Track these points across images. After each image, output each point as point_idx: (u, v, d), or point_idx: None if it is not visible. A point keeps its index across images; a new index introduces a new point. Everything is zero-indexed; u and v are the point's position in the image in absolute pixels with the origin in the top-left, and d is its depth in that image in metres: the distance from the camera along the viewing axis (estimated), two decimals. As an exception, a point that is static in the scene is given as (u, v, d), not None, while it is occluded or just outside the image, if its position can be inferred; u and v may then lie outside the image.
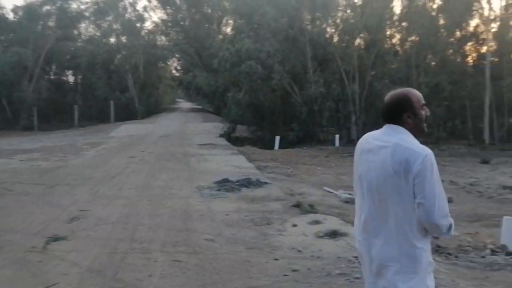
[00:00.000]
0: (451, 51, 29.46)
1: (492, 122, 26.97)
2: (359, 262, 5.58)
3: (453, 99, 28.01)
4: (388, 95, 2.44)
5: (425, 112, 2.41)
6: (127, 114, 36.23)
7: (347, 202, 9.83)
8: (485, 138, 26.11)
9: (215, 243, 6.32)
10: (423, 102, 2.41)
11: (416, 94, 2.42)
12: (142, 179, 11.60)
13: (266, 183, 11.00)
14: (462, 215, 8.90)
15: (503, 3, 28.07)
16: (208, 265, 5.40)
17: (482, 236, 7.27)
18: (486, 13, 27.75)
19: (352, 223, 7.68)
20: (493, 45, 27.88)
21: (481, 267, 5.46)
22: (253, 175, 11.89)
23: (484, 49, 28.34)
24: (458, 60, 29.27)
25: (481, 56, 28.71)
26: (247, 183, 10.71)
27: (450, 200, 10.11)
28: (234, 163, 14.60)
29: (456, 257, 5.84)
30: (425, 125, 2.41)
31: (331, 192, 10.93)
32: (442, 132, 28.40)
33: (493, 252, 6.08)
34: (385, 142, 2.34)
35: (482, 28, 28.48)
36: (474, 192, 11.81)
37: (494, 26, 28.02)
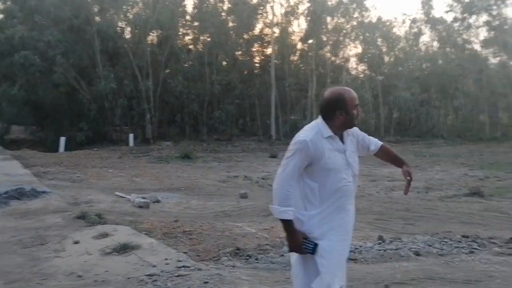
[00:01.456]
0: (240, 52, 30.99)
1: (278, 119, 29.29)
2: (153, 281, 4.80)
3: (243, 98, 29.50)
4: (327, 92, 2.73)
5: (357, 111, 2.68)
6: None
7: (141, 207, 8.90)
8: (272, 134, 28.14)
9: (-44, 284, 4.70)
10: (357, 102, 2.68)
11: (351, 94, 2.69)
12: None
13: (44, 192, 9.31)
14: (257, 210, 8.88)
15: (283, 11, 30.62)
16: None
17: (277, 230, 7.20)
18: (269, 18, 29.97)
19: (146, 230, 6.84)
20: (276, 48, 30.26)
21: (281, 267, 5.19)
22: (28, 184, 9.98)
23: (269, 51, 30.58)
24: (247, 60, 30.94)
25: (267, 58, 30.91)
26: (19, 194, 8.86)
27: (245, 196, 10.14)
28: (5, 170, 12.23)
29: (256, 259, 5.48)
30: (355, 122, 2.72)
31: (124, 197, 9.84)
32: (234, 129, 29.66)
33: (290, 248, 5.94)
34: None
35: (266, 31, 30.68)
36: (267, 186, 12.15)
37: (276, 31, 30.46)
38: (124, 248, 5.60)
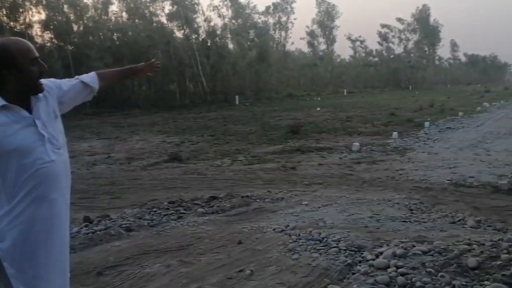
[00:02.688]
0: None
1: None
2: None
3: None
4: None
5: (38, 67, 2.01)
6: None
7: None
8: None
9: None
10: (34, 55, 2.00)
11: (21, 45, 1.99)
12: None
13: None
14: None
15: None
16: None
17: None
18: None
19: None
20: None
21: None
22: None
23: None
24: None
25: None
26: None
27: None
28: None
29: None
30: (38, 82, 2.03)
31: None
32: None
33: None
34: None
35: None
36: None
37: None
38: None
